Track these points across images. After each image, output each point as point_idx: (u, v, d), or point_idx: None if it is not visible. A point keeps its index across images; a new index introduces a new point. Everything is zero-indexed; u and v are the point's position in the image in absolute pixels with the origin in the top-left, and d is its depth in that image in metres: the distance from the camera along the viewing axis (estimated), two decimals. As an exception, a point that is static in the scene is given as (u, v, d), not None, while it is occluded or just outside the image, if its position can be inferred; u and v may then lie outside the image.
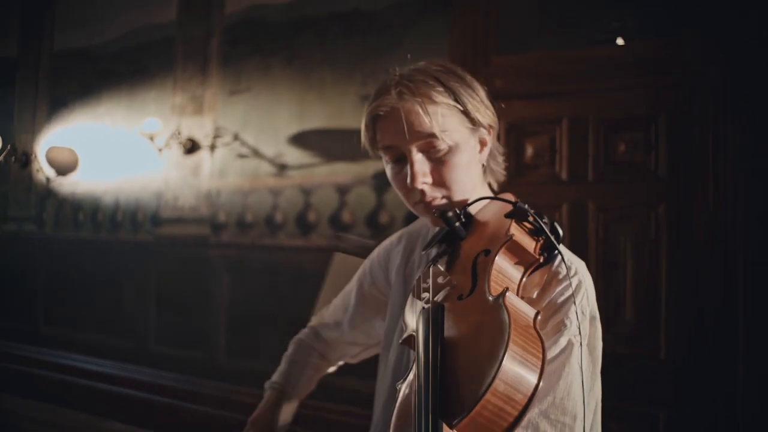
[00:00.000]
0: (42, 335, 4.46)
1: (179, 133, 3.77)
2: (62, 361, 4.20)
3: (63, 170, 4.34)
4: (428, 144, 0.90)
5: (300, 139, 3.38)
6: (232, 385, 3.37)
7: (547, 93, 2.71)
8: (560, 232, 0.82)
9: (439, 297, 0.82)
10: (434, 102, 0.89)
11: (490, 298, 0.73)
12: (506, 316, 0.68)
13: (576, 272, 0.86)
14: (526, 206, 0.83)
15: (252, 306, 3.45)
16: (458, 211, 0.91)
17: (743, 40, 2.34)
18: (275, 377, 1.31)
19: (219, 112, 3.70)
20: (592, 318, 0.86)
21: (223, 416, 3.27)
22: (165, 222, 3.89)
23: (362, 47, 3.22)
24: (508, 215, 0.84)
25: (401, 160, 0.93)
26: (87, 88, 4.40)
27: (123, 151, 4.12)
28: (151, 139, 3.76)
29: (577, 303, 0.81)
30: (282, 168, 3.42)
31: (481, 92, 0.96)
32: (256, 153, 3.51)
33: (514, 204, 0.84)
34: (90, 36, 4.41)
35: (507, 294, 0.72)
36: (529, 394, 0.65)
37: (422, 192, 0.92)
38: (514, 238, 0.80)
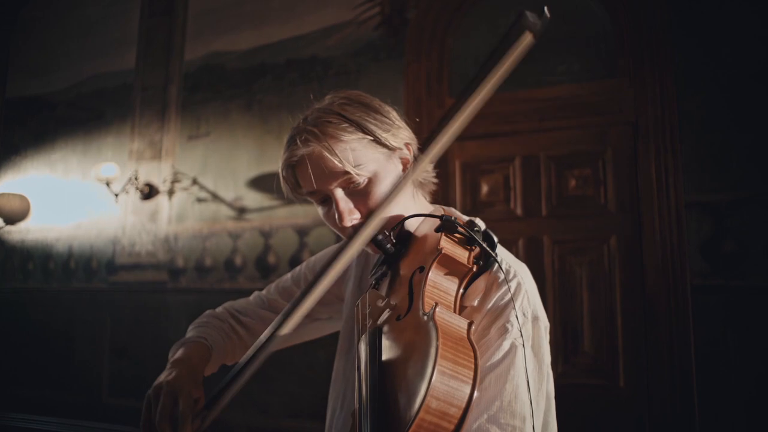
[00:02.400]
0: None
1: (136, 179, 3.73)
2: (7, 422, 3.96)
3: (12, 218, 4.21)
4: (346, 181, 0.90)
5: (259, 183, 3.40)
6: (190, 436, 3.24)
7: (499, 132, 2.82)
8: (494, 238, 0.83)
9: (380, 320, 0.82)
10: (341, 140, 0.89)
11: (423, 316, 0.73)
12: (434, 332, 0.68)
13: (515, 275, 0.86)
14: (453, 218, 0.85)
15: (211, 352, 3.36)
16: (387, 233, 0.91)
17: (682, 84, 2.52)
18: (196, 333, 1.13)
19: (177, 157, 3.69)
20: (534, 318, 0.86)
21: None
22: (121, 269, 3.80)
23: (320, 91, 3.27)
24: (437, 229, 0.85)
25: (327, 200, 0.94)
26: (41, 135, 4.33)
27: (78, 198, 4.04)
28: (108, 184, 3.70)
29: (517, 306, 0.82)
30: (241, 211, 3.41)
31: (392, 114, 0.97)
32: (215, 197, 3.50)
33: (440, 218, 0.85)
34: (45, 83, 4.38)
35: (437, 309, 0.72)
36: (463, 406, 0.65)
37: (354, 227, 0.91)
38: (444, 251, 0.81)
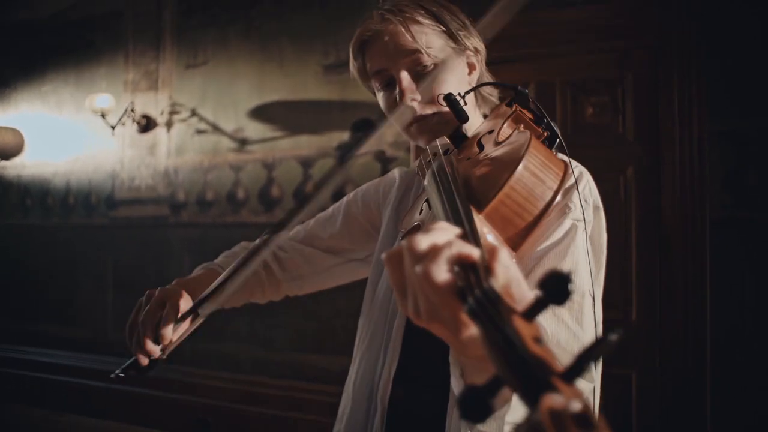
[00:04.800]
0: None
1: (133, 110, 3.60)
2: (13, 355, 3.99)
3: (6, 153, 4.09)
4: (414, 61, 0.92)
5: (261, 113, 3.26)
6: (196, 369, 3.25)
7: (513, 57, 2.67)
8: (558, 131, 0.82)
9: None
10: (417, 21, 0.92)
11: (501, 141, 0.76)
12: (526, 136, 0.70)
13: (578, 165, 0.88)
14: (527, 91, 0.85)
15: (215, 287, 3.33)
16: (461, 94, 0.90)
17: (708, 6, 2.35)
18: (219, 261, 1.13)
19: (175, 88, 3.54)
20: (596, 207, 0.86)
21: (188, 401, 3.16)
22: (121, 204, 3.72)
23: (322, 17, 3.12)
24: (510, 102, 0.86)
25: (391, 84, 0.95)
26: (30, 66, 4.15)
27: (73, 131, 3.91)
28: (103, 116, 3.57)
29: (580, 190, 0.81)
30: (243, 143, 3.29)
31: (466, 20, 0.99)
32: (216, 128, 3.38)
33: (515, 88, 0.85)
34: (29, 8, 4.15)
35: (522, 125, 0.76)
36: (542, 206, 0.66)
37: (413, 110, 0.93)
38: (518, 111, 0.81)
